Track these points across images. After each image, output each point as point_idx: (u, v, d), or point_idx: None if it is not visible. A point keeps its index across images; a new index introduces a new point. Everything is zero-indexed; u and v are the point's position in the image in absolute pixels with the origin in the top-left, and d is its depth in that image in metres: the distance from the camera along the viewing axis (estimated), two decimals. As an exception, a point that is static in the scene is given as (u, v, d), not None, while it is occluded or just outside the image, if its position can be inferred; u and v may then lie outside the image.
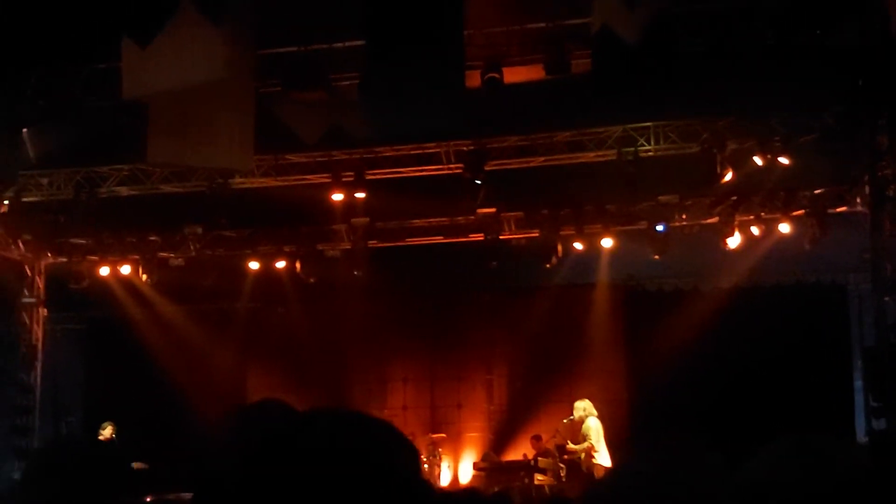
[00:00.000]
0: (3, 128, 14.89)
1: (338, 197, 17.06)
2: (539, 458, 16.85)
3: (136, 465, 14.04)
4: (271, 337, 20.22)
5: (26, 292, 19.62)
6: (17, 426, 18.83)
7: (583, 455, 16.00)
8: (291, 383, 18.89)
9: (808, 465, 2.14)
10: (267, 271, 19.02)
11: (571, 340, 18.83)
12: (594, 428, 16.04)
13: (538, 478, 16.65)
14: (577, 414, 16.25)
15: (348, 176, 16.87)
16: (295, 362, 19.57)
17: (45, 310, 19.89)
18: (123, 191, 17.57)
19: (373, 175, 16.94)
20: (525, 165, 16.74)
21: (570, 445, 16.24)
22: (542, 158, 16.61)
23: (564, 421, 16.56)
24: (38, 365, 19.57)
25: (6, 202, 17.41)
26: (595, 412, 16.21)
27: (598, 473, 15.76)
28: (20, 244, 19.03)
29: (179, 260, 18.96)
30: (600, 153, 16.27)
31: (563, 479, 16.49)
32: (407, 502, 1.89)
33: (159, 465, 14.36)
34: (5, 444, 18.82)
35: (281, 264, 18.83)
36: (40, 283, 19.80)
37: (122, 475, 2.78)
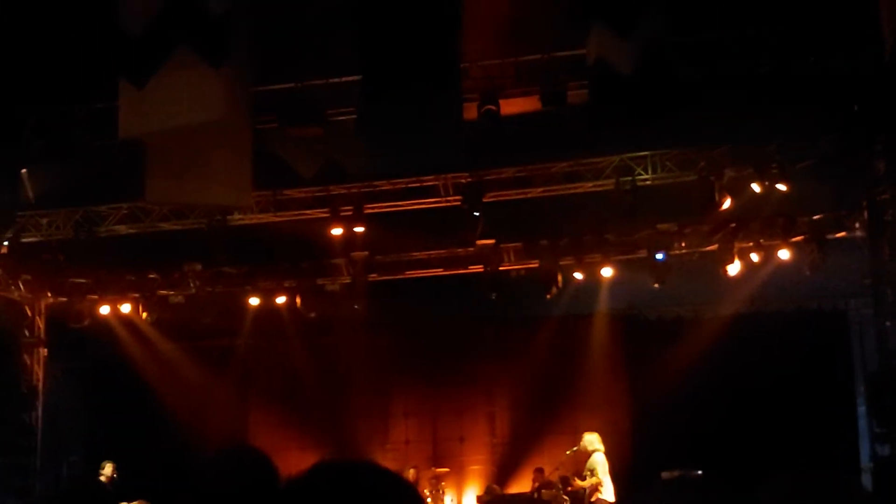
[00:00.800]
0: (2, 168, 14.88)
1: (337, 231, 17.03)
2: (543, 491, 16.76)
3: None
4: (272, 373, 20.18)
5: (27, 332, 19.58)
6: (17, 466, 18.74)
7: (588, 489, 15.86)
8: (293, 419, 18.83)
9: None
10: (267, 307, 18.97)
11: (573, 371, 18.78)
12: (601, 462, 15.90)
13: (542, 510, 16.57)
14: (582, 445, 16.11)
15: (347, 210, 16.86)
16: (296, 398, 19.51)
17: (46, 350, 19.84)
18: (122, 229, 17.52)
19: (371, 209, 16.94)
20: (523, 196, 16.73)
21: (577, 482, 16.09)
22: (540, 189, 16.61)
23: (567, 452, 16.48)
24: (39, 405, 19.48)
25: (5, 243, 17.40)
26: (602, 447, 16.06)
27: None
28: (20, 284, 19.01)
29: (179, 297, 18.93)
30: (598, 183, 16.27)
31: (567, 512, 16.40)
32: None
33: (160, 504, 14.28)
34: (6, 486, 18.70)
35: (281, 300, 18.78)
36: (40, 323, 19.75)
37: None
